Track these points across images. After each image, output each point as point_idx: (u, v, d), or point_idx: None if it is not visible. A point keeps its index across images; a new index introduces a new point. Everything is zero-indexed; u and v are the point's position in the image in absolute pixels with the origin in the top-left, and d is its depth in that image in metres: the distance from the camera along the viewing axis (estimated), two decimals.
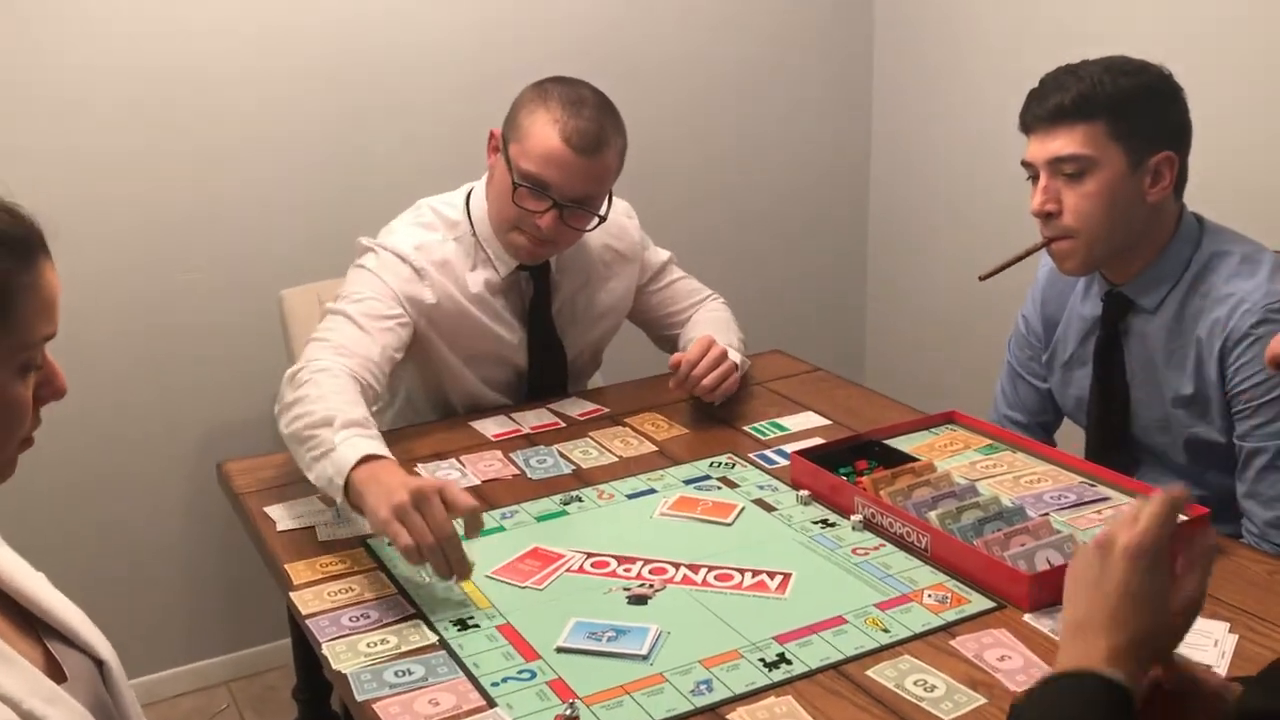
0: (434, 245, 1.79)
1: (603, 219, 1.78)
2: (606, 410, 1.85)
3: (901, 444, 1.62)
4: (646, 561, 1.36)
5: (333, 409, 1.46)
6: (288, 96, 2.28)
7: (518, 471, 1.64)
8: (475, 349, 1.84)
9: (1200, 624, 1.19)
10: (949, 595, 1.26)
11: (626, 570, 1.34)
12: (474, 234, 1.81)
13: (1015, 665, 1.14)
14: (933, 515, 1.36)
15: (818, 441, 1.66)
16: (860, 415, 1.80)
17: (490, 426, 1.80)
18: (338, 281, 1.98)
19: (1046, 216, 1.52)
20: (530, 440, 1.76)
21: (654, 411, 1.84)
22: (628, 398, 1.91)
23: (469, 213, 1.82)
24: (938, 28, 2.64)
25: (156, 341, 2.28)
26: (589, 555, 1.38)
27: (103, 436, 2.26)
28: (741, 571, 1.33)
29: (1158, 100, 1.48)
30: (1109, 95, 1.45)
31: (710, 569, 1.34)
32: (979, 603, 1.25)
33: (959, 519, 1.35)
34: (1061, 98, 1.47)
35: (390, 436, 1.74)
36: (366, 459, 1.36)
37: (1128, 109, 1.46)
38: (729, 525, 1.45)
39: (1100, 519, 1.39)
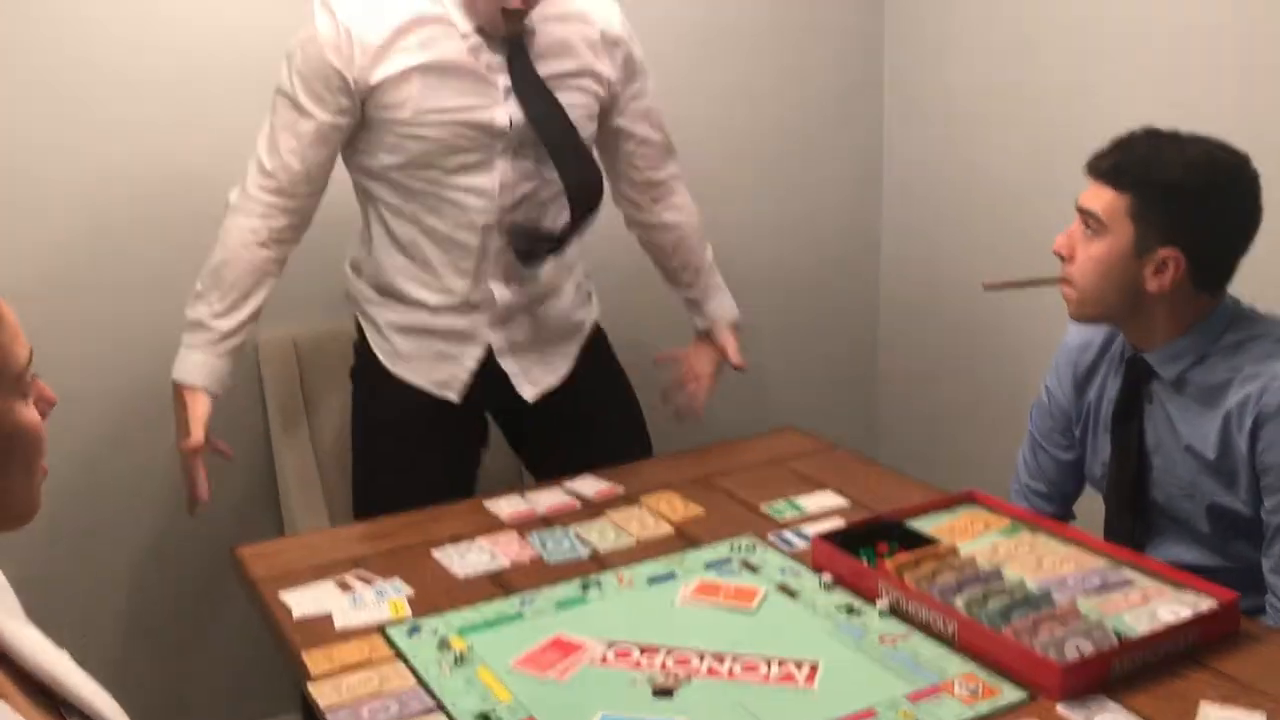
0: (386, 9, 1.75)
1: None
2: (622, 490, 1.84)
3: (922, 525, 1.61)
4: (670, 651, 1.34)
5: (195, 314, 1.81)
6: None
7: (535, 554, 1.63)
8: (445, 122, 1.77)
9: (1237, 714, 1.18)
10: (980, 686, 1.24)
11: (650, 660, 1.32)
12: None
13: None
14: (959, 601, 1.34)
15: (837, 522, 1.65)
16: (878, 494, 1.78)
17: (504, 507, 1.79)
18: (318, 328, 1.98)
19: (1061, 258, 1.55)
20: (546, 521, 1.74)
21: (670, 490, 1.83)
22: (643, 476, 1.90)
23: None
24: (945, 104, 2.67)
25: (139, 400, 2.23)
26: (611, 644, 1.36)
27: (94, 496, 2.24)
28: (768, 662, 1.31)
29: (1191, 201, 1.45)
30: (1147, 175, 1.46)
31: (736, 659, 1.32)
32: (1010, 693, 1.23)
33: (985, 605, 1.33)
34: (1112, 158, 1.49)
35: (403, 521, 1.74)
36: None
37: (1156, 196, 1.45)
38: (753, 612, 1.44)
39: (1129, 604, 1.37)
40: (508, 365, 1.93)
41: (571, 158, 1.82)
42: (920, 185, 2.79)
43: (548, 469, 1.98)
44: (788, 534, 1.66)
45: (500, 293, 1.88)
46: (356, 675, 1.31)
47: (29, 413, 0.89)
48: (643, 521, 1.72)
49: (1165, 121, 1.52)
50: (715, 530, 1.68)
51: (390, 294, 1.90)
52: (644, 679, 1.29)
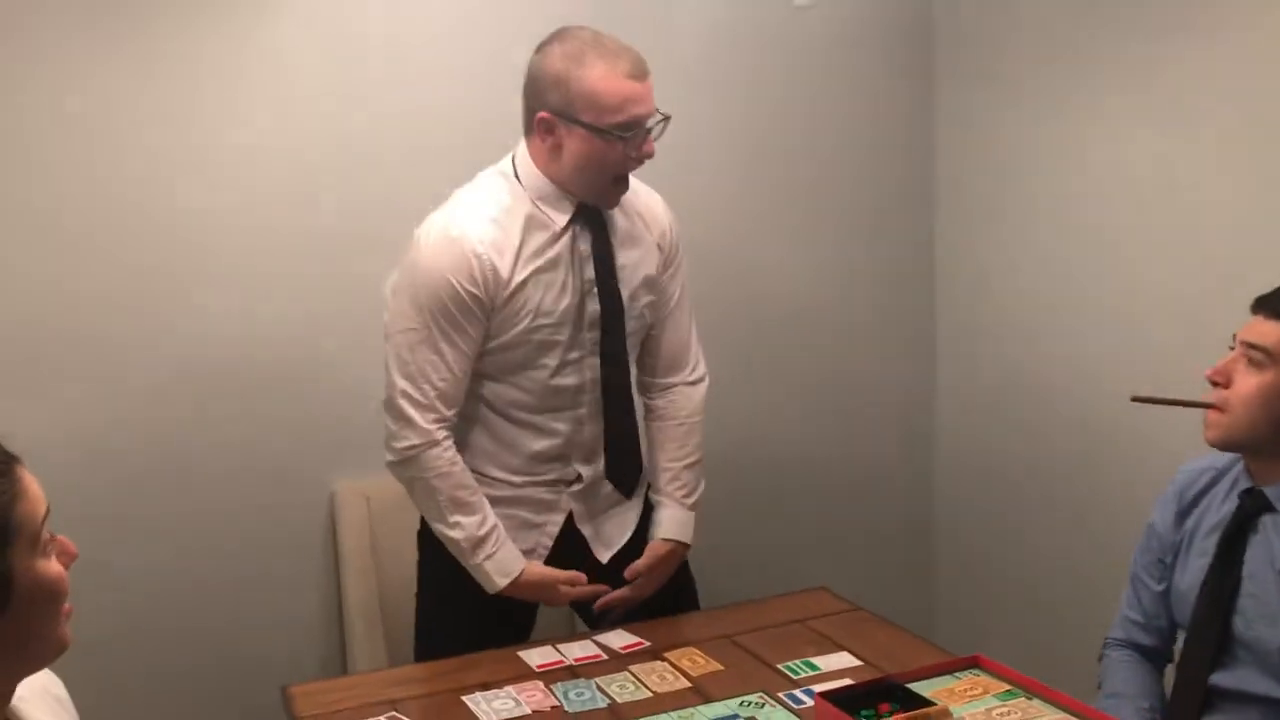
0: (483, 216, 1.89)
1: (667, 117, 1.90)
2: (648, 644, 1.94)
3: (926, 688, 1.67)
4: None
5: (469, 524, 1.93)
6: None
7: (556, 703, 1.74)
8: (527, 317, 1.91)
9: None
10: None
11: None
12: (526, 192, 1.91)
13: None
14: None
15: (846, 683, 1.72)
16: (894, 657, 1.85)
17: (535, 658, 1.91)
18: (389, 481, 2.05)
19: (1214, 384, 1.65)
20: (573, 672, 1.85)
21: (694, 646, 1.92)
22: (672, 631, 1.99)
23: (516, 173, 1.93)
24: (1004, 279, 2.80)
25: (189, 555, 2.42)
26: None
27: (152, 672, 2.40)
28: None
29: None
30: None
31: None
32: None
33: None
34: None
35: (442, 667, 1.87)
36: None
37: None
38: None
39: None
40: (585, 530, 2.06)
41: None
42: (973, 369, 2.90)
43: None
44: (798, 693, 1.74)
45: (587, 471, 2.04)
46: None
47: (51, 566, 1.05)
48: (662, 676, 1.82)
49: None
50: (730, 687, 1.77)
51: (481, 472, 2.02)
52: None
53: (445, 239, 1.87)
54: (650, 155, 1.89)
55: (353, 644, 2.49)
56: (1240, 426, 1.62)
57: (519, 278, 1.89)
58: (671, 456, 2.11)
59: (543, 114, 1.86)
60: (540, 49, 1.88)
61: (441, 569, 2.03)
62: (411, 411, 1.91)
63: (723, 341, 2.47)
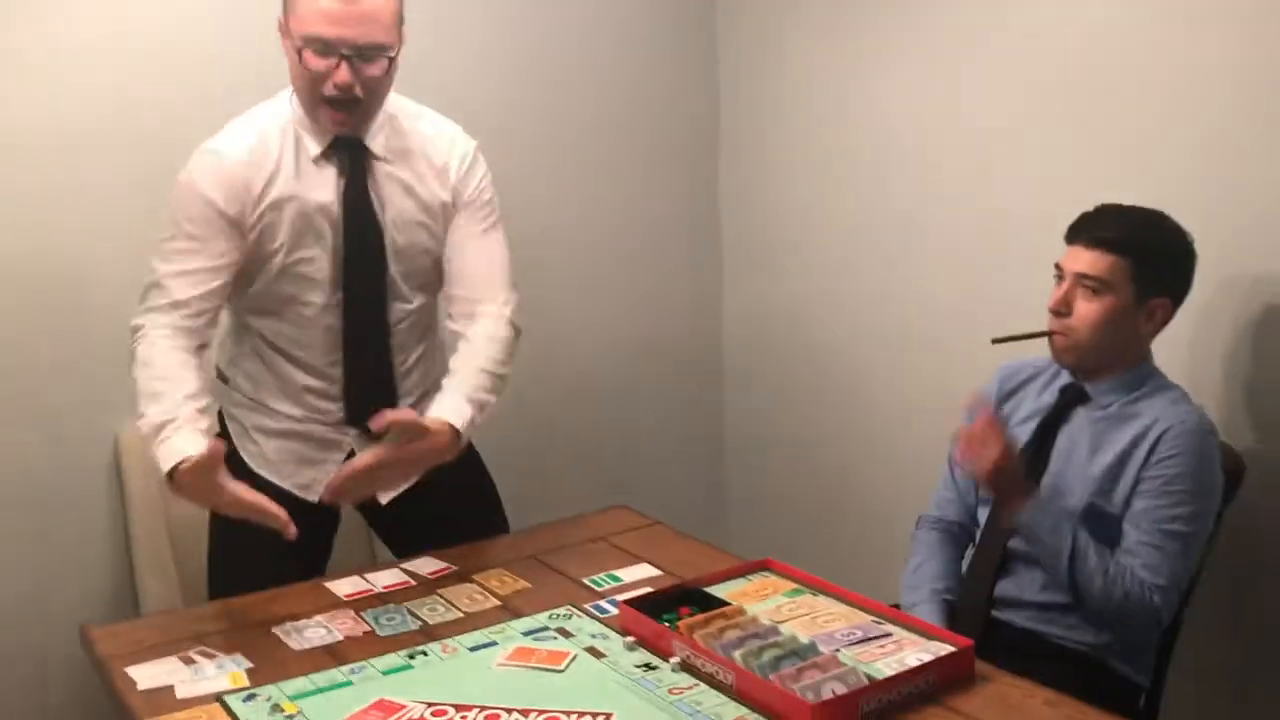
0: (249, 136, 1.92)
1: (393, 61, 1.89)
2: (455, 568, 1.99)
3: (721, 590, 1.80)
4: (483, 709, 1.49)
5: (153, 413, 1.79)
6: None
7: (368, 628, 1.77)
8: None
9: None
10: None
11: (464, 716, 1.48)
12: (291, 118, 1.94)
13: None
14: (737, 654, 1.53)
15: (647, 591, 1.83)
16: (689, 565, 1.97)
17: (344, 586, 1.92)
18: None
19: (1057, 314, 1.84)
20: (382, 599, 1.88)
21: (501, 568, 1.99)
22: (479, 556, 2.05)
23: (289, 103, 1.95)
24: (780, 183, 2.95)
25: None
26: (429, 705, 1.51)
27: None
28: (568, 714, 1.47)
29: (1173, 259, 1.84)
30: (1141, 242, 1.81)
31: (540, 713, 1.48)
32: None
33: (760, 657, 1.53)
34: (1107, 230, 1.82)
35: (248, 601, 1.86)
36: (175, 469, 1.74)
37: (1150, 259, 1.82)
38: (561, 671, 1.60)
39: (883, 652, 1.58)
40: None
41: None
42: (758, 271, 3.06)
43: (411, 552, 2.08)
44: (603, 603, 1.83)
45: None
46: None
47: None
48: (471, 597, 1.88)
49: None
50: (538, 603, 1.84)
51: (261, 402, 2.04)
52: None
53: (202, 152, 1.92)
54: (344, 87, 1.85)
55: (144, 588, 2.43)
56: (1089, 348, 1.84)
57: (271, 196, 1.91)
58: (465, 359, 1.99)
59: (280, 17, 1.89)
60: None
61: None
62: (147, 301, 1.92)
63: (524, 267, 2.49)
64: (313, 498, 2.03)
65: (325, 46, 1.84)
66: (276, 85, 1.97)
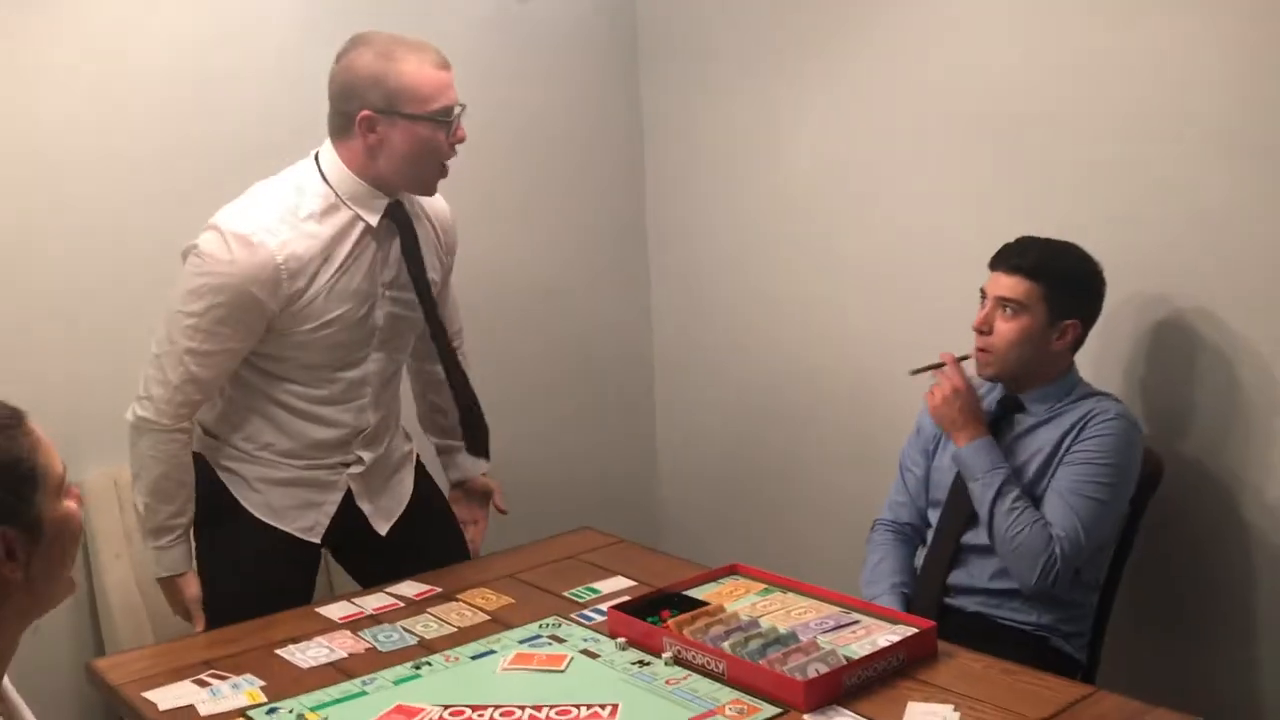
0: (292, 223, 1.93)
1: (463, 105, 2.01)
2: (440, 589, 2.10)
3: (696, 594, 1.95)
4: (497, 707, 1.61)
5: (162, 513, 2.00)
6: None
7: (369, 645, 1.86)
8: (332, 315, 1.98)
9: (934, 708, 1.56)
10: (745, 707, 1.58)
11: (480, 715, 1.59)
12: (337, 195, 1.96)
13: None
14: (726, 645, 1.68)
15: (627, 598, 1.96)
16: (660, 575, 2.11)
17: (335, 611, 2.01)
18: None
19: (980, 332, 2.05)
20: (374, 620, 1.98)
21: (483, 587, 2.10)
22: (457, 578, 2.15)
23: (323, 175, 1.97)
24: (703, 196, 3.13)
25: None
26: (446, 707, 1.62)
27: None
28: (577, 706, 1.60)
29: (1082, 284, 2.06)
30: (1053, 269, 2.02)
31: (552, 708, 1.60)
32: (768, 710, 1.57)
33: (746, 646, 1.68)
34: (1024, 259, 2.03)
35: (244, 629, 1.94)
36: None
37: (1060, 284, 2.02)
38: (563, 672, 1.73)
39: (855, 636, 1.75)
40: (365, 506, 2.16)
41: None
42: (686, 279, 3.23)
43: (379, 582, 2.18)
44: (587, 612, 1.96)
45: (368, 455, 2.14)
46: None
47: (70, 506, 1.16)
48: (460, 613, 1.99)
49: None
50: (525, 615, 1.96)
51: (262, 457, 2.09)
52: None
53: (245, 243, 1.89)
54: (463, 139, 2.00)
55: (113, 629, 2.46)
56: (1007, 362, 2.06)
57: (315, 287, 1.94)
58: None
59: (365, 113, 1.91)
60: (344, 56, 1.95)
61: (232, 549, 2.08)
62: (158, 390, 1.95)
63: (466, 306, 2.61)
64: (314, 539, 2.12)
65: (449, 112, 1.95)
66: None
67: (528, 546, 2.35)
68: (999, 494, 1.99)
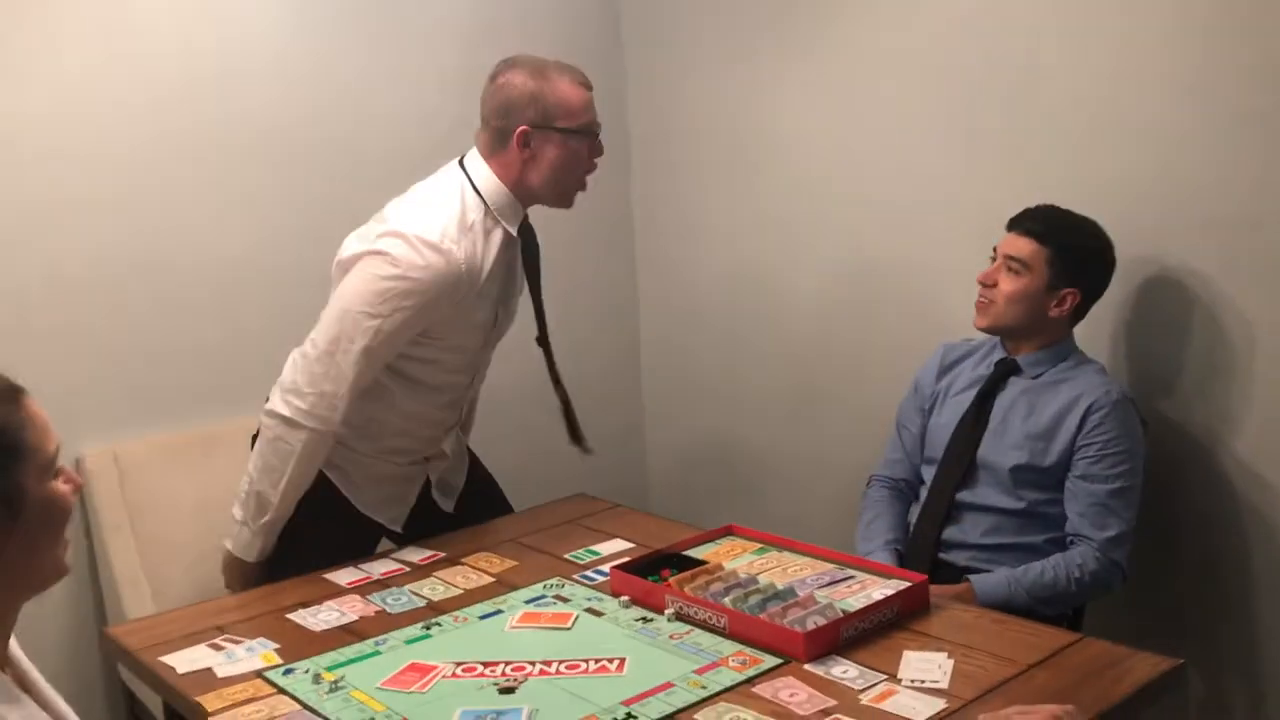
0: (466, 231, 2.00)
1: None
2: (444, 554, 2.15)
3: (694, 554, 2.01)
4: (507, 663, 1.66)
5: (266, 511, 2.03)
6: None
7: (379, 608, 1.91)
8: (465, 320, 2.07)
9: (927, 655, 1.62)
10: (747, 658, 1.64)
11: (492, 670, 1.65)
12: (487, 206, 2.04)
13: (801, 699, 1.53)
14: (727, 600, 1.74)
15: (628, 559, 2.02)
16: (657, 536, 2.17)
17: (342, 577, 2.06)
18: (141, 438, 2.16)
19: (985, 285, 2.14)
20: (382, 584, 2.03)
21: (486, 551, 2.15)
22: (461, 543, 2.21)
23: (474, 186, 2.05)
24: (685, 177, 3.18)
25: None
26: (458, 664, 1.67)
27: None
28: (585, 661, 1.66)
29: (1088, 257, 2.12)
30: (1062, 237, 2.09)
31: (560, 662, 1.66)
32: (769, 660, 1.63)
33: (747, 601, 1.74)
34: (1035, 223, 2.11)
35: (254, 595, 1.99)
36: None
37: (1066, 251, 2.09)
38: (569, 629, 1.79)
39: (850, 591, 1.82)
40: (436, 495, 2.27)
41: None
42: (669, 251, 3.28)
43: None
44: (589, 573, 2.02)
45: (449, 449, 2.26)
46: (248, 708, 1.57)
47: (58, 488, 1.15)
48: (466, 576, 2.04)
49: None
50: (530, 577, 2.02)
51: (365, 451, 2.16)
52: (490, 684, 1.61)
53: (435, 249, 1.95)
54: (601, 154, 2.09)
55: (118, 601, 2.50)
56: (1003, 316, 2.13)
57: (476, 293, 2.03)
58: None
59: (523, 128, 2.01)
60: (498, 77, 2.05)
61: (324, 532, 2.13)
62: (328, 387, 1.98)
63: None
64: (397, 529, 2.23)
65: (595, 126, 2.06)
66: None
67: (526, 512, 2.40)
68: (1027, 587, 2.01)
